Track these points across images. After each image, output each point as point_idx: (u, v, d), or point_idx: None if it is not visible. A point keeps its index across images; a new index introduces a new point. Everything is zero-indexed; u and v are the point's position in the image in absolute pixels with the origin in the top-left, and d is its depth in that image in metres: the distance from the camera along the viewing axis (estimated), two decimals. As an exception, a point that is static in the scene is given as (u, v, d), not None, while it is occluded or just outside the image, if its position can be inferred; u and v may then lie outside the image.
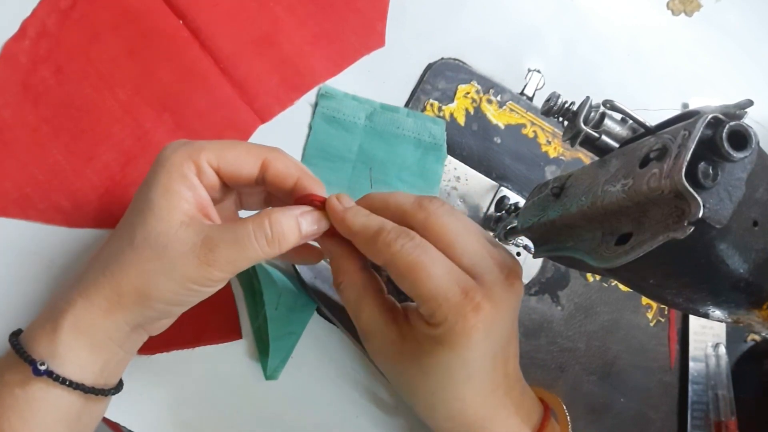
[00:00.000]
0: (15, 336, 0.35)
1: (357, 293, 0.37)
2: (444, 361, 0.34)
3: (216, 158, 0.34)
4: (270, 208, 0.36)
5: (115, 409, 0.40)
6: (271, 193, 0.39)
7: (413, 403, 0.38)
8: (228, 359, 0.44)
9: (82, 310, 0.33)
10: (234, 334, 0.45)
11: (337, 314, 0.45)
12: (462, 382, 0.35)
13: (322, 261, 0.45)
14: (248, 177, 0.36)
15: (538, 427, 0.37)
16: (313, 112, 0.49)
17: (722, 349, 0.51)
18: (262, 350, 0.44)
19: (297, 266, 0.45)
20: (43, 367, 0.32)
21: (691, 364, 0.52)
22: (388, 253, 0.34)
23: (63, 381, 0.33)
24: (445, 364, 0.34)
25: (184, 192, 0.33)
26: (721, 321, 0.31)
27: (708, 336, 0.52)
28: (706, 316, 0.31)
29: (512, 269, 0.36)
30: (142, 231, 0.33)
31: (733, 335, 0.53)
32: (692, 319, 0.52)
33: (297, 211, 0.35)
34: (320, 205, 0.36)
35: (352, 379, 0.46)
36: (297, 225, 0.35)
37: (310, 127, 0.49)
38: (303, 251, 0.40)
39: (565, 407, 0.39)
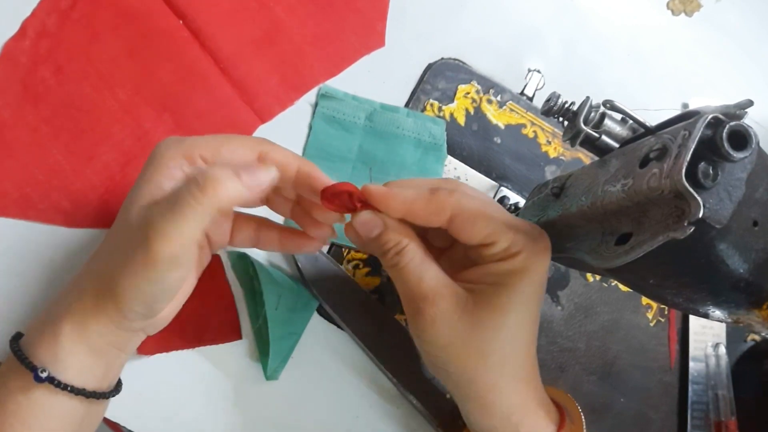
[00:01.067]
0: (15, 341, 0.34)
1: (421, 255, 0.36)
2: (526, 288, 0.35)
3: (211, 154, 0.34)
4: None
5: (115, 409, 0.40)
6: (279, 193, 0.39)
7: (479, 371, 0.35)
8: (228, 359, 0.44)
9: (80, 315, 0.33)
10: (234, 334, 0.45)
11: (339, 311, 0.45)
12: (530, 321, 0.35)
13: (324, 258, 0.45)
14: None
15: (558, 425, 0.37)
16: (313, 112, 0.49)
17: (722, 349, 0.51)
18: (263, 350, 0.44)
19: (299, 264, 0.46)
20: (44, 374, 0.32)
21: (691, 364, 0.52)
22: (454, 202, 0.34)
23: (65, 387, 0.33)
24: (527, 294, 0.35)
25: (165, 184, 0.33)
26: (721, 321, 0.31)
27: (708, 336, 0.52)
28: (706, 316, 0.31)
29: (538, 228, 0.37)
30: (133, 202, 0.33)
31: (733, 335, 0.53)
32: (692, 319, 0.52)
33: (233, 167, 0.32)
34: (350, 193, 0.35)
35: (352, 379, 0.46)
36: (231, 172, 0.31)
37: (310, 127, 0.49)
38: (298, 239, 0.39)
39: (579, 407, 0.39)
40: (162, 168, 0.33)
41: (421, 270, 0.35)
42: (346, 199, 0.35)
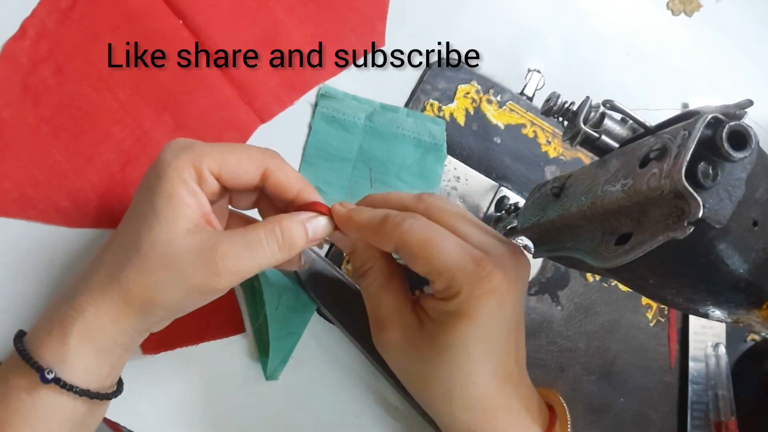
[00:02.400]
0: (19, 339, 0.34)
1: (382, 279, 0.38)
2: (462, 334, 0.34)
3: (217, 165, 0.34)
4: (279, 215, 0.36)
5: (115, 409, 0.40)
6: (267, 196, 0.39)
7: (427, 398, 0.37)
8: (228, 359, 0.44)
9: (91, 317, 0.33)
10: (237, 328, 0.45)
11: (336, 314, 0.45)
12: (480, 360, 0.35)
13: (320, 260, 0.45)
14: (248, 184, 0.36)
15: (547, 426, 0.37)
16: (313, 112, 0.49)
17: (722, 349, 0.51)
18: (263, 350, 0.44)
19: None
20: (50, 375, 0.32)
21: (691, 364, 0.52)
22: (398, 234, 0.34)
23: (70, 388, 0.33)
24: (463, 338, 0.34)
25: (187, 198, 0.33)
26: (721, 321, 0.31)
27: (708, 336, 0.52)
28: (706, 316, 0.31)
29: (516, 246, 0.37)
30: (148, 238, 0.33)
31: (733, 335, 0.53)
32: (692, 319, 0.52)
33: (304, 217, 0.36)
34: (325, 213, 0.37)
35: (352, 379, 0.46)
36: (305, 230, 0.35)
37: (310, 127, 0.49)
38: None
39: (564, 403, 0.39)
40: (177, 180, 0.33)
41: (379, 295, 0.37)
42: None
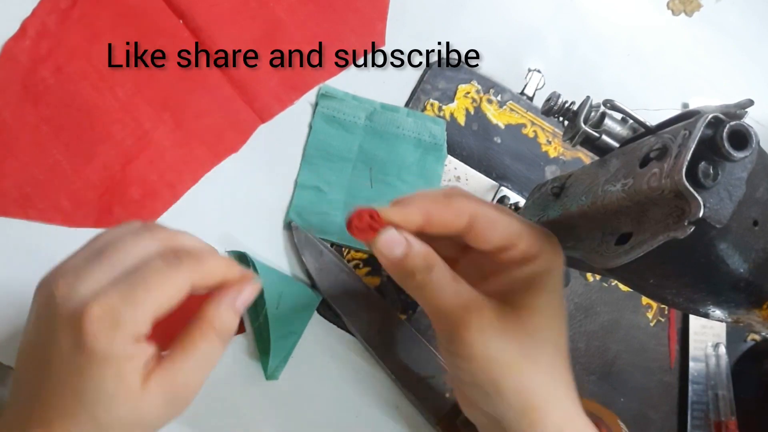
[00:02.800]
0: None
1: (450, 270, 0.34)
2: (553, 290, 0.34)
3: (152, 319, 0.31)
4: (203, 308, 0.33)
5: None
6: None
7: (527, 382, 0.33)
8: (228, 359, 0.44)
9: None
10: (237, 327, 0.45)
11: (341, 306, 0.45)
12: (564, 319, 0.35)
13: (328, 252, 0.45)
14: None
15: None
16: (313, 112, 0.49)
17: (722, 349, 0.51)
18: (263, 350, 0.44)
19: (303, 257, 0.46)
20: None
21: (691, 364, 0.52)
22: (472, 207, 0.33)
23: None
24: (554, 295, 0.34)
25: (135, 364, 0.31)
26: (721, 321, 0.31)
27: (708, 336, 0.52)
28: (706, 316, 0.31)
29: (546, 230, 0.36)
30: (107, 416, 0.30)
31: (733, 335, 0.53)
32: (692, 319, 0.52)
33: (229, 298, 0.33)
34: (370, 214, 0.34)
35: (351, 379, 0.46)
36: (234, 311, 0.33)
37: (311, 127, 0.49)
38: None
39: (622, 424, 0.39)
40: (120, 369, 0.30)
41: (456, 283, 0.34)
42: (367, 221, 0.33)
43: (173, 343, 0.32)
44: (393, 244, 0.33)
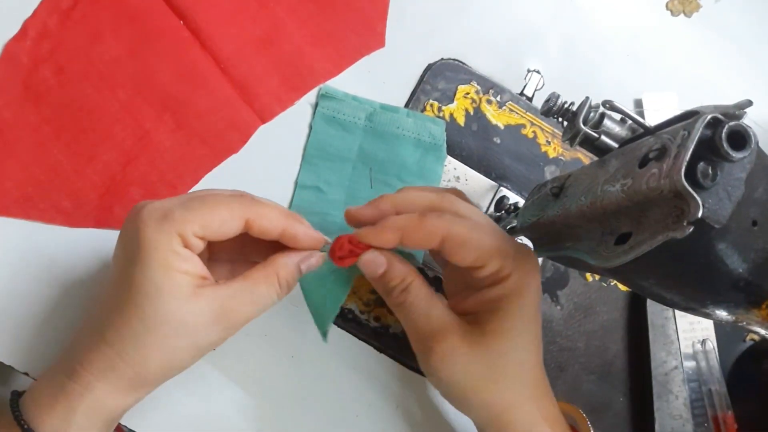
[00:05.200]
0: (16, 403, 0.34)
1: (427, 290, 0.37)
2: (522, 311, 0.35)
3: (201, 229, 0.34)
4: (274, 260, 0.36)
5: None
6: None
7: (497, 399, 0.36)
8: (227, 359, 0.45)
9: (102, 395, 0.34)
10: None
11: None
12: (536, 340, 0.36)
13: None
14: (231, 236, 0.35)
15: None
16: (314, 113, 0.49)
17: (709, 345, 0.51)
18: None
19: None
20: None
21: (684, 362, 0.52)
22: (443, 227, 0.34)
23: None
24: (522, 317, 0.35)
25: (183, 266, 0.33)
26: (720, 321, 0.31)
27: (697, 332, 0.52)
28: (705, 315, 0.31)
29: (526, 247, 0.38)
30: (153, 311, 0.33)
31: (733, 335, 0.53)
32: (679, 317, 0.52)
33: (297, 258, 0.37)
34: (349, 240, 0.37)
35: (352, 379, 0.46)
36: (299, 270, 0.37)
37: (311, 127, 0.49)
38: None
39: (589, 422, 0.40)
40: (169, 253, 0.33)
41: (428, 306, 0.36)
42: (347, 247, 0.36)
43: (238, 274, 0.35)
44: (374, 265, 0.36)
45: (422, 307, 0.36)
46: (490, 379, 0.35)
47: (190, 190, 0.46)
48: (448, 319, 0.36)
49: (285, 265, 0.36)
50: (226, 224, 0.34)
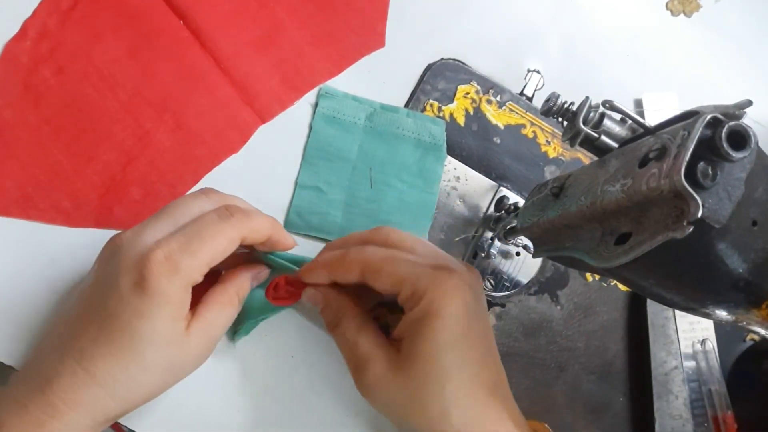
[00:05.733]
0: None
1: (358, 323, 0.39)
2: (436, 334, 0.35)
3: (207, 267, 0.35)
4: (228, 276, 0.39)
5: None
6: None
7: (424, 423, 0.36)
8: (227, 359, 0.45)
9: (85, 429, 0.34)
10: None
11: None
12: (460, 364, 0.35)
13: None
14: None
15: None
16: (314, 113, 0.49)
17: (709, 345, 0.51)
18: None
19: None
20: None
21: (684, 362, 0.52)
22: (361, 258, 0.38)
23: None
24: (438, 340, 0.35)
25: (185, 312, 0.35)
26: (720, 321, 0.31)
27: (697, 332, 0.52)
28: (705, 315, 0.31)
29: (469, 265, 0.40)
30: (155, 357, 0.34)
31: (733, 335, 0.53)
32: (679, 317, 0.52)
33: (250, 275, 0.40)
34: (286, 280, 0.42)
35: (351, 378, 0.46)
36: (250, 285, 0.40)
37: (311, 127, 0.49)
38: None
39: None
40: (177, 312, 0.34)
41: (356, 337, 0.38)
42: (285, 289, 0.42)
43: (205, 301, 0.37)
44: (312, 301, 0.41)
45: (351, 336, 0.38)
46: (417, 405, 0.35)
47: (190, 191, 0.46)
48: (374, 347, 0.37)
49: (242, 285, 0.39)
50: (226, 252, 0.35)
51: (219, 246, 0.35)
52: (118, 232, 0.36)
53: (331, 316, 0.40)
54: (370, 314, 0.40)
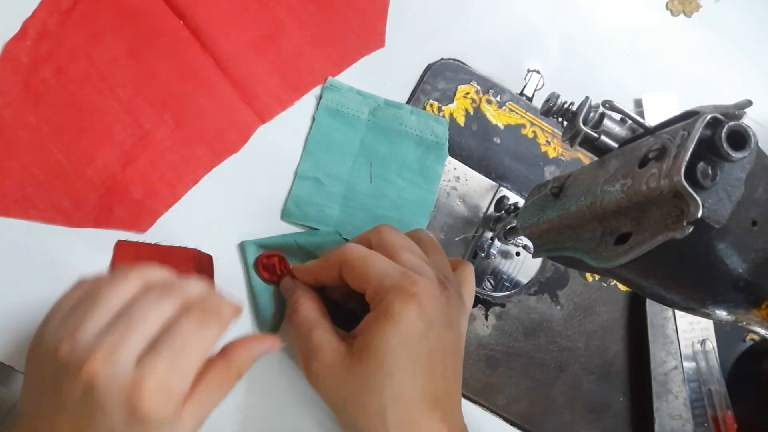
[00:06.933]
0: None
1: (314, 314, 0.40)
2: (387, 336, 0.35)
3: (194, 375, 0.33)
4: (232, 350, 0.36)
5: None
6: None
7: (363, 421, 0.36)
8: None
9: None
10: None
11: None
12: (406, 370, 0.35)
13: None
14: None
15: None
16: (317, 105, 0.49)
17: (709, 345, 0.51)
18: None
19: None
20: None
21: (684, 363, 0.52)
22: (340, 256, 0.39)
23: None
24: (389, 341, 0.35)
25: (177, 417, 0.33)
26: (720, 321, 0.31)
27: (697, 332, 0.52)
28: (705, 315, 0.31)
29: (448, 278, 0.40)
30: None
31: (733, 335, 0.53)
32: (679, 317, 0.52)
33: (258, 350, 0.37)
34: (280, 259, 0.44)
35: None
36: (256, 359, 0.37)
37: (314, 119, 0.49)
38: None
39: None
40: (174, 419, 0.32)
41: (311, 325, 0.39)
42: (276, 266, 0.44)
43: (204, 378, 0.34)
44: (285, 288, 0.43)
45: (305, 326, 0.39)
46: (358, 402, 0.36)
47: (190, 191, 0.46)
48: (326, 340, 0.38)
49: (246, 364, 0.36)
50: (208, 355, 0.34)
51: (203, 355, 0.33)
52: (61, 340, 0.31)
53: (292, 300, 0.41)
54: (325, 308, 0.41)
